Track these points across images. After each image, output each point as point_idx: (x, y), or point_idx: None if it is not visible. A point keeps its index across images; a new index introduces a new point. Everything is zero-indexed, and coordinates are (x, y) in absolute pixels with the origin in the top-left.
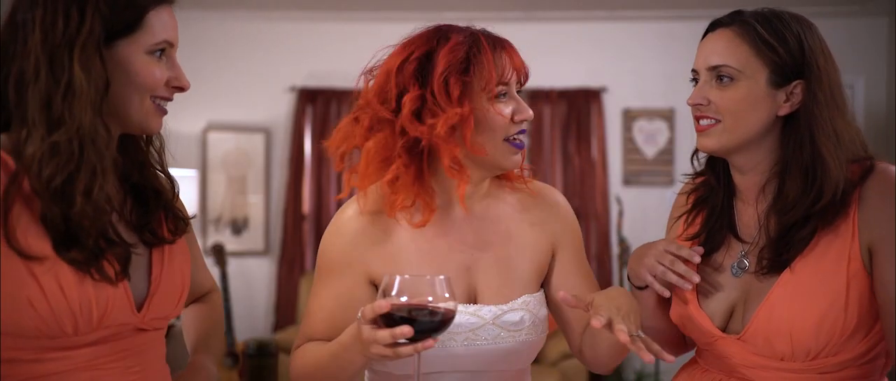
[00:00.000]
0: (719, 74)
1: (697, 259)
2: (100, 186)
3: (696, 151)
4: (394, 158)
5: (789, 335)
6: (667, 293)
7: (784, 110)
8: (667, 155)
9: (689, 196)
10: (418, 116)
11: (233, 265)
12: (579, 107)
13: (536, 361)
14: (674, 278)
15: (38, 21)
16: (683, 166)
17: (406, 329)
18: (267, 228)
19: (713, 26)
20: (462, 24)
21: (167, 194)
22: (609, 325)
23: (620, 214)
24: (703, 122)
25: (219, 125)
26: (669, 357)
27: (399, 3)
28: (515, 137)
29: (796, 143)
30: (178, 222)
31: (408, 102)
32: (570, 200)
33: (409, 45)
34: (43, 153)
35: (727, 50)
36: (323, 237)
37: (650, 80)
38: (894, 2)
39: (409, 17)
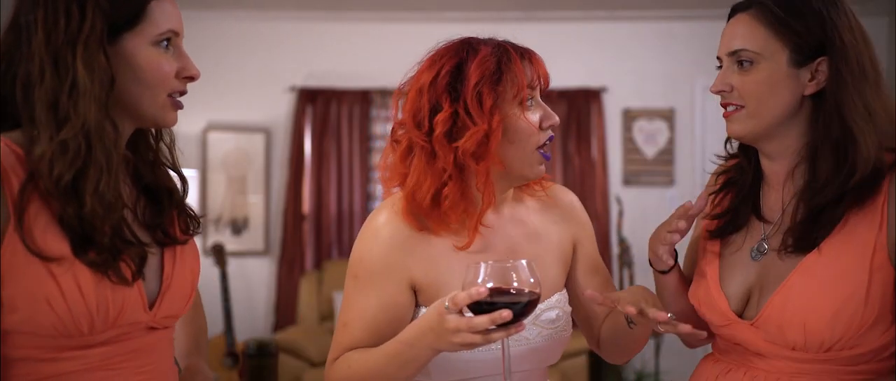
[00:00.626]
0: (740, 59)
1: (694, 211)
2: (109, 183)
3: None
4: (442, 180)
5: (803, 324)
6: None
7: (810, 89)
8: (667, 155)
9: (718, 177)
10: (449, 135)
11: (233, 265)
12: (579, 107)
13: None
14: (676, 238)
15: (40, 22)
16: (683, 166)
17: (506, 313)
18: (267, 228)
19: (733, 12)
20: (484, 36)
21: (179, 193)
22: (641, 313)
23: (620, 214)
24: (729, 108)
25: (219, 125)
26: (702, 333)
27: (399, 3)
28: (544, 144)
29: (825, 121)
30: (190, 221)
31: (440, 121)
32: None
33: (438, 60)
34: (52, 152)
35: (745, 34)
36: (357, 244)
37: (650, 80)
38: (894, 2)
39: (410, 17)
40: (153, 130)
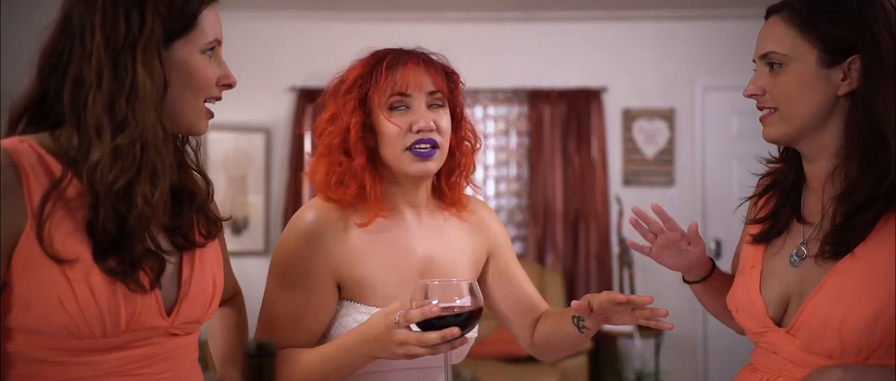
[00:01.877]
0: (770, 62)
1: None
2: (159, 188)
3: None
4: (334, 167)
5: (838, 330)
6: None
7: (843, 89)
8: (667, 155)
9: (761, 179)
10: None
11: (233, 265)
12: (579, 107)
13: (536, 361)
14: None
15: (98, 25)
16: (683, 166)
17: (456, 331)
18: (267, 228)
19: (768, 14)
20: (408, 47)
21: (202, 196)
22: (628, 302)
23: (620, 214)
24: (763, 112)
25: (219, 125)
26: (668, 325)
27: (399, 3)
28: (417, 146)
29: (855, 122)
30: (211, 224)
31: (324, 120)
32: (569, 200)
33: (351, 69)
34: (107, 157)
35: (774, 36)
36: (280, 242)
37: (650, 80)
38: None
39: (409, 17)
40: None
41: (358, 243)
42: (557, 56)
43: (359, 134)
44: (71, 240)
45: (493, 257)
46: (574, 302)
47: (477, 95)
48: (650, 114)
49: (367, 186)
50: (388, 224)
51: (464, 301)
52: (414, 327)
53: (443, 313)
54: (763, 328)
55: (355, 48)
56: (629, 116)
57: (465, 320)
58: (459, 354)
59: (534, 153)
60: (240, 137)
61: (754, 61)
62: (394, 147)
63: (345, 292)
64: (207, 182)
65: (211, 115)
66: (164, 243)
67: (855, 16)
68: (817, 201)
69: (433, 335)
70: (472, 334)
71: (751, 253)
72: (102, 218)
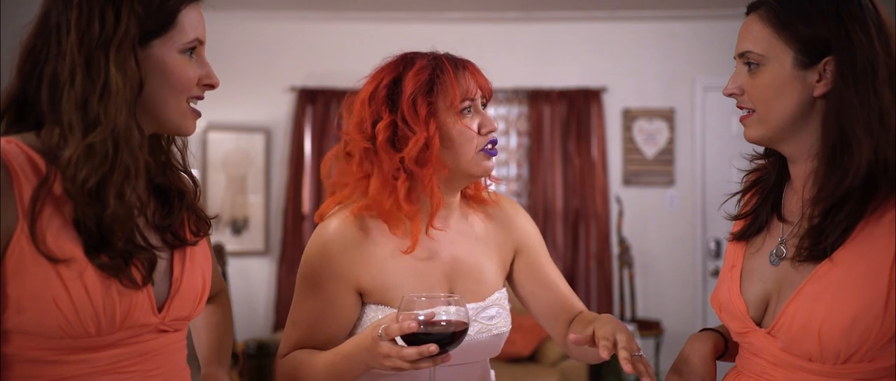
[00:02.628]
0: (748, 61)
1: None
2: (133, 187)
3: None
4: (392, 184)
5: (818, 333)
6: None
7: (820, 90)
8: (667, 155)
9: (747, 176)
10: (392, 143)
11: (233, 265)
12: (579, 107)
13: (536, 361)
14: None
15: (74, 23)
16: (683, 166)
17: (433, 348)
18: (267, 228)
19: (748, 11)
20: (426, 50)
21: (190, 195)
22: (614, 345)
23: (620, 214)
24: (743, 112)
25: (219, 125)
26: None
27: (399, 3)
28: (487, 146)
29: (828, 123)
30: (201, 222)
31: (381, 129)
32: (569, 200)
33: (378, 74)
34: (79, 155)
35: (751, 35)
36: (307, 249)
37: (650, 80)
38: (894, 2)
39: (409, 17)
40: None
41: (381, 252)
42: (557, 56)
43: (437, 145)
44: (61, 238)
45: (520, 254)
46: (573, 336)
47: None
48: (650, 114)
49: (435, 198)
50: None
51: (449, 317)
52: (399, 340)
53: (427, 330)
54: (745, 328)
55: (355, 48)
56: (629, 116)
57: (450, 338)
58: (493, 348)
59: (534, 153)
60: (240, 137)
61: (735, 58)
62: (468, 150)
63: (368, 297)
64: (195, 182)
65: (198, 114)
66: (155, 240)
67: (830, 16)
68: (798, 201)
69: (411, 351)
70: (502, 329)
71: (732, 251)
72: (82, 215)
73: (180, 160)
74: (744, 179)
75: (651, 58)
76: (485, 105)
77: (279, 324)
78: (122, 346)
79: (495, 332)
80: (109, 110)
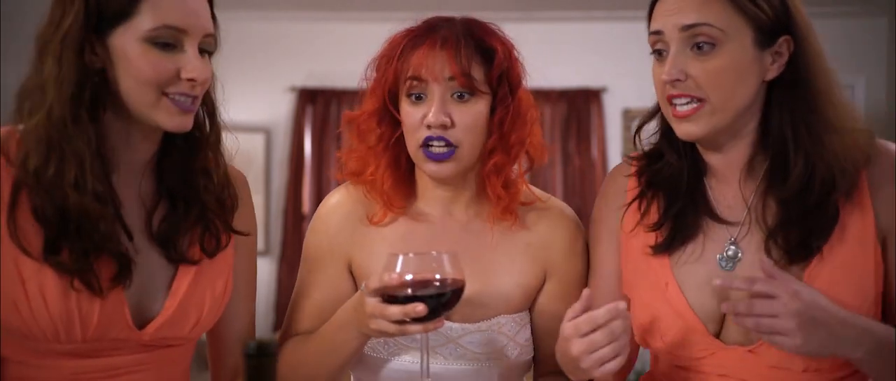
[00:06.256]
0: (697, 41)
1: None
2: (90, 178)
3: (639, 128)
4: (374, 157)
5: None
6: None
7: (772, 74)
8: None
9: (639, 178)
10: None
11: None
12: (579, 107)
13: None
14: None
15: (50, 9)
16: None
17: (420, 307)
18: (267, 228)
19: None
20: (450, 14)
21: (212, 209)
22: None
23: None
24: (682, 104)
25: None
26: None
27: (399, 3)
28: (428, 143)
29: (778, 107)
30: (217, 241)
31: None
32: (569, 200)
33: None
34: (26, 144)
35: (704, 4)
36: (309, 227)
37: (650, 80)
38: (894, 2)
39: (409, 17)
40: (197, 133)
41: (374, 235)
42: (557, 56)
43: (373, 119)
44: (25, 228)
45: (550, 278)
46: None
47: None
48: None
49: (378, 178)
50: (411, 223)
51: (443, 275)
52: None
53: (415, 291)
54: (707, 349)
55: (355, 48)
56: (629, 116)
57: (443, 300)
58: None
59: None
60: (240, 137)
61: (656, 33)
62: (410, 142)
63: (358, 280)
64: (231, 197)
65: (182, 109)
66: (148, 250)
67: None
68: (736, 194)
69: (395, 309)
70: (504, 359)
71: (655, 268)
72: (40, 205)
73: (214, 169)
74: (629, 185)
75: (651, 58)
76: (467, 95)
77: (279, 324)
78: (94, 357)
79: (488, 363)
80: (46, 98)
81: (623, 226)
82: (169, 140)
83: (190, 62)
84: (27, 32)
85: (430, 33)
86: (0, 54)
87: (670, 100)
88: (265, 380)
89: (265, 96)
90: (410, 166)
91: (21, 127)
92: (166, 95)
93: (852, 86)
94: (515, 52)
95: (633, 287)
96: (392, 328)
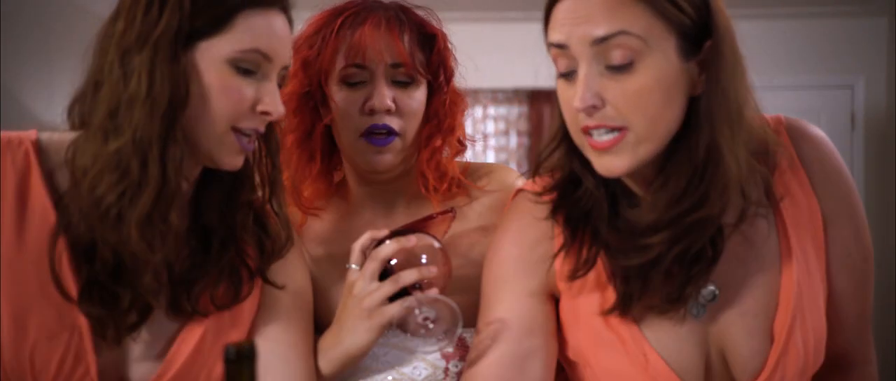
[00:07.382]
0: (612, 57)
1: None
2: (162, 215)
3: (545, 160)
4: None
5: (813, 351)
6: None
7: (700, 87)
8: None
9: (556, 218)
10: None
11: None
12: None
13: None
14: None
15: (124, 12)
16: None
17: (413, 273)
18: None
19: None
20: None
21: (245, 252)
22: None
23: None
24: (602, 135)
25: None
26: None
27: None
28: (372, 131)
29: (700, 124)
30: (236, 292)
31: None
32: None
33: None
34: (99, 167)
35: (616, 9)
36: None
37: None
38: (894, 2)
39: None
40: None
41: (308, 231)
42: None
43: (293, 105)
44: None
45: None
46: None
47: (477, 95)
48: None
49: (296, 175)
50: (344, 227)
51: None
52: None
53: (400, 259)
54: None
55: None
56: None
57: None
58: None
59: (534, 153)
60: None
61: (559, 46)
62: (345, 131)
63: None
64: (273, 239)
65: (246, 148)
66: (159, 296)
67: None
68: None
69: (387, 283)
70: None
71: (624, 338)
72: (86, 241)
73: (262, 206)
74: (563, 224)
75: None
76: (408, 81)
77: None
78: None
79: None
80: (135, 116)
81: (559, 284)
82: (210, 169)
83: (269, 94)
84: (27, 33)
85: (369, 13)
86: (0, 54)
87: (585, 131)
88: None
89: None
90: (327, 170)
91: (74, 144)
92: (235, 129)
93: (852, 86)
94: (449, 41)
95: (596, 359)
96: (378, 299)
